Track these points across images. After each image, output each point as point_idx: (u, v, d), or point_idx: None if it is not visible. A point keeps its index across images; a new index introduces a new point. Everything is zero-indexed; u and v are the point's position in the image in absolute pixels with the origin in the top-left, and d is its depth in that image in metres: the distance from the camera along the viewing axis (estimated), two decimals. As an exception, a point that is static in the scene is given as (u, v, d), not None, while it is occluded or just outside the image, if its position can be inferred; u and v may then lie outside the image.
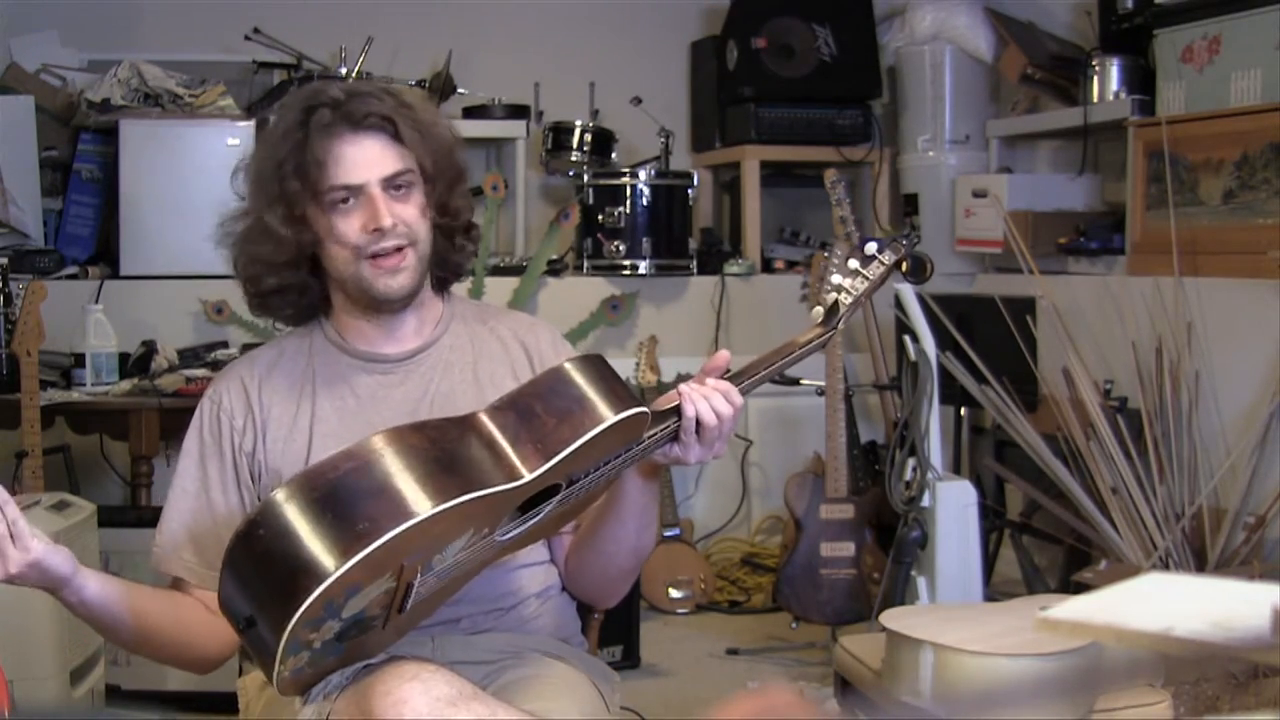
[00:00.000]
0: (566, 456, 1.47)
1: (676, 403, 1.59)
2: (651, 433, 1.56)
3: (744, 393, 1.63)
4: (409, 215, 1.68)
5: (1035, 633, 1.88)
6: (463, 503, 1.40)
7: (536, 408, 1.50)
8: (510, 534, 1.54)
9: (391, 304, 1.72)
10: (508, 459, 1.47)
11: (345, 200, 1.66)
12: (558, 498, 1.53)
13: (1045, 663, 1.89)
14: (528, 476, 1.45)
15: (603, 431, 1.49)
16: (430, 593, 1.49)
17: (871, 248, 1.82)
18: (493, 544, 1.52)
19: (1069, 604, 0.95)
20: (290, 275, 1.72)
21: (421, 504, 1.37)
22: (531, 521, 1.55)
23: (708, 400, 1.58)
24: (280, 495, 1.38)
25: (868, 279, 1.79)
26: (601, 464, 1.54)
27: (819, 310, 1.77)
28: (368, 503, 1.36)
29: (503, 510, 1.49)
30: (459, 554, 1.47)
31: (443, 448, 1.44)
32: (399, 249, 1.67)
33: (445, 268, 1.79)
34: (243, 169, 1.73)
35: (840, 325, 1.76)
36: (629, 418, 1.51)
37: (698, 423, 1.58)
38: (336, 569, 1.32)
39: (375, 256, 1.67)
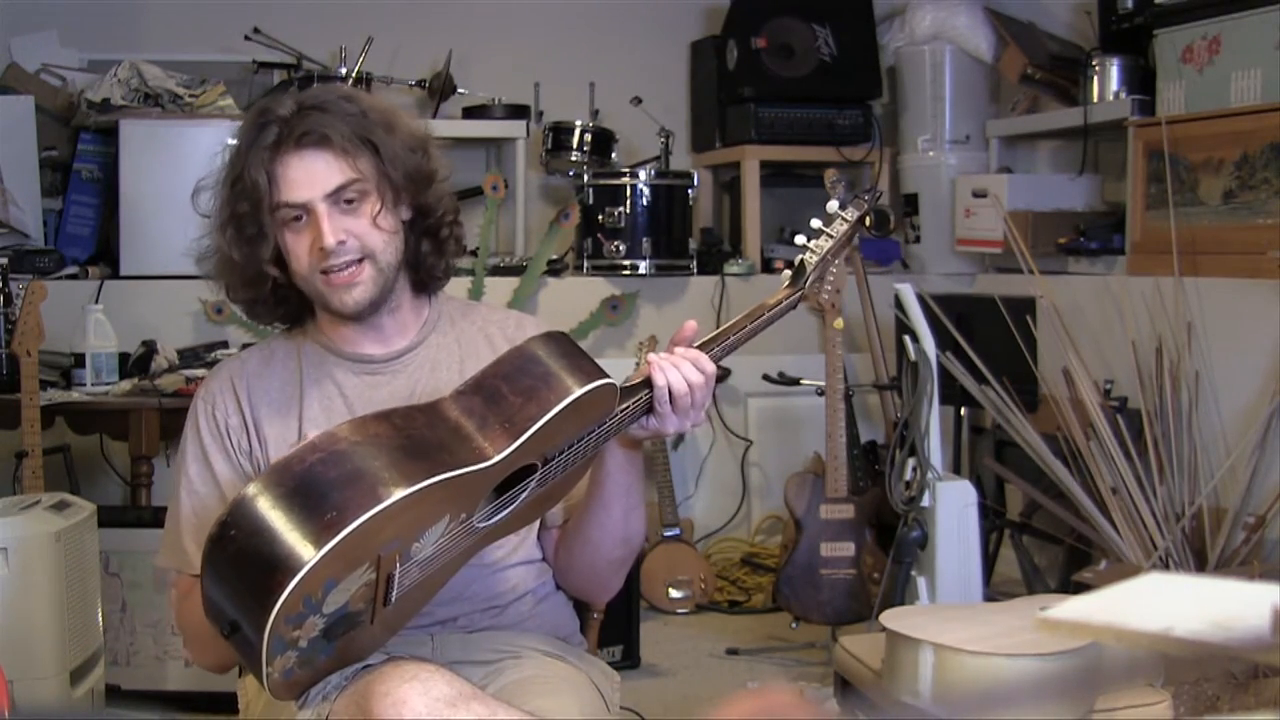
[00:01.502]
0: (534, 434, 1.46)
1: (648, 374, 1.59)
2: (625, 405, 1.56)
3: (716, 359, 1.63)
4: (360, 228, 1.65)
5: (1035, 633, 1.88)
6: (430, 485, 1.39)
7: (502, 388, 1.50)
8: (491, 520, 1.53)
9: (351, 316, 1.71)
10: (475, 441, 1.46)
11: (297, 218, 1.65)
12: (535, 478, 1.53)
13: (1045, 663, 1.88)
14: (496, 457, 1.45)
15: (570, 405, 1.48)
16: (414, 585, 1.48)
17: (833, 205, 1.82)
18: (473, 530, 1.51)
19: (1069, 604, 0.95)
20: (257, 289, 1.73)
21: (388, 490, 1.36)
22: (512, 505, 1.54)
23: (678, 369, 1.58)
24: (248, 493, 1.38)
25: (832, 237, 1.79)
26: (576, 440, 1.53)
27: (787, 273, 1.77)
28: (334, 493, 1.36)
29: (477, 493, 1.48)
30: (439, 542, 1.46)
31: (408, 434, 1.44)
32: (350, 264, 1.66)
33: (420, 269, 1.77)
34: (204, 188, 1.73)
35: (807, 285, 1.75)
36: (596, 389, 1.50)
37: (670, 392, 1.57)
38: (308, 561, 1.32)
39: (328, 272, 1.66)
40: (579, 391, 1.48)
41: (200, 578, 1.40)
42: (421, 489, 1.38)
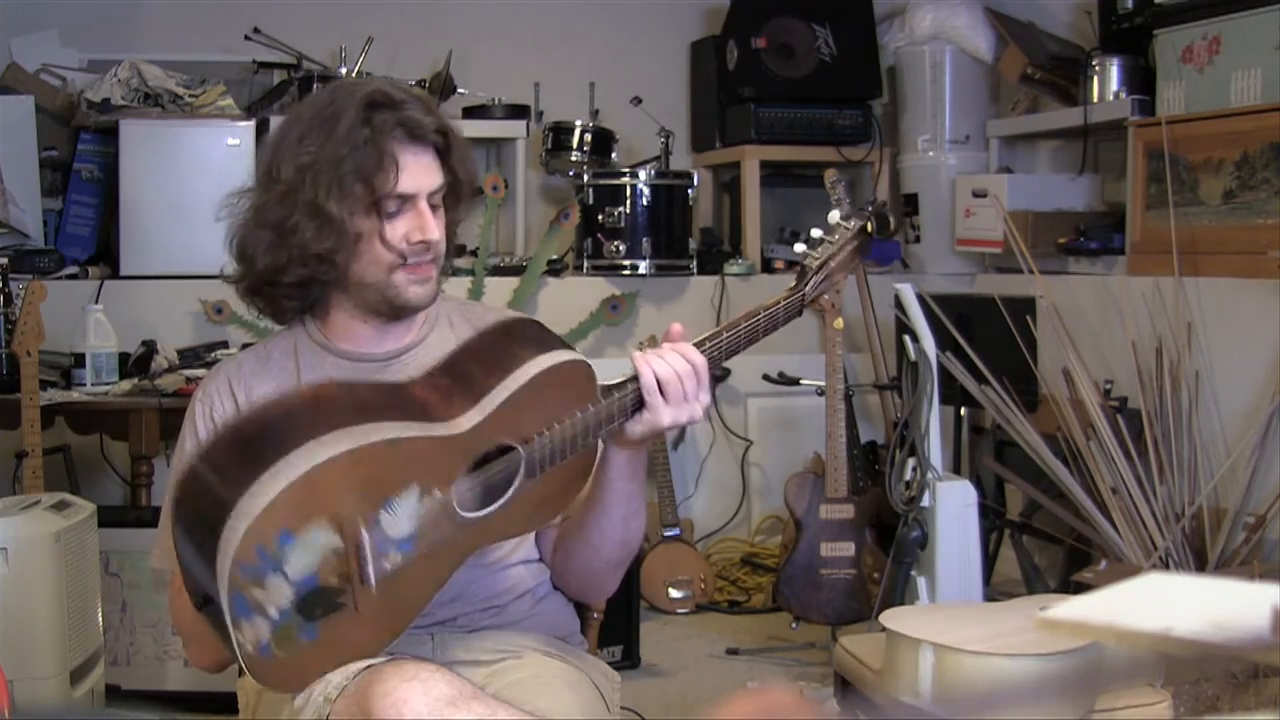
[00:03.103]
0: (501, 405, 1.50)
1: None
2: (613, 396, 1.58)
3: (712, 358, 1.64)
4: (440, 230, 1.72)
5: (1035, 633, 1.88)
6: (379, 443, 1.43)
7: (468, 365, 1.55)
8: (480, 511, 1.53)
9: (412, 311, 1.74)
10: (438, 408, 1.50)
11: (396, 209, 1.67)
12: (521, 468, 1.53)
13: (1045, 663, 1.89)
14: (461, 423, 1.48)
15: (539, 378, 1.51)
16: (399, 572, 1.47)
17: (835, 215, 1.87)
18: (456, 516, 1.51)
19: (1069, 604, 0.95)
20: (320, 270, 1.68)
21: (330, 433, 1.41)
22: (502, 499, 1.54)
23: (663, 358, 1.60)
24: (199, 453, 1.44)
25: (832, 244, 1.82)
26: (557, 422, 1.54)
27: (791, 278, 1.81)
28: (275, 437, 1.41)
29: (447, 465, 1.50)
30: (417, 521, 1.47)
31: (365, 398, 1.49)
32: (432, 259, 1.71)
33: None
34: (285, 153, 1.68)
35: (807, 288, 1.78)
36: (565, 363, 1.54)
37: (658, 380, 1.59)
38: (243, 494, 1.36)
39: (411, 265, 1.69)
40: (547, 363, 1.53)
41: (174, 548, 1.44)
42: (369, 443, 1.42)
